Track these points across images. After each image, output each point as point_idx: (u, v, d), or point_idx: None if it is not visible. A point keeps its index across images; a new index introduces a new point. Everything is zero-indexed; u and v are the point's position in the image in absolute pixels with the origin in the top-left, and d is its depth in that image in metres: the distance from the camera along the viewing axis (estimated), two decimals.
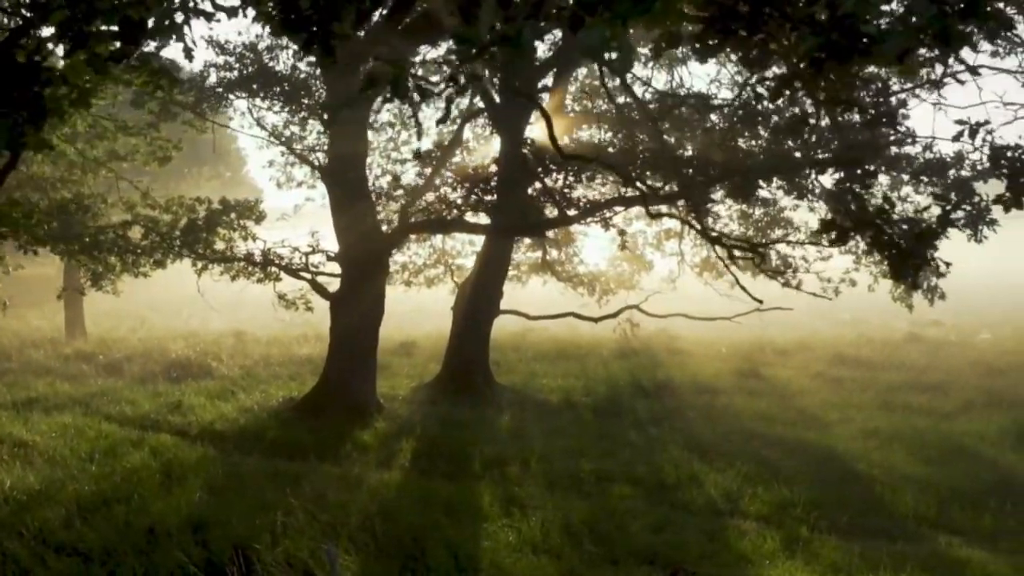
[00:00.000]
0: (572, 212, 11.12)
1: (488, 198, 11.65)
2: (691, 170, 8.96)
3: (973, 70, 6.17)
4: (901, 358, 18.45)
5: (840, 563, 6.98)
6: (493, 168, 12.39)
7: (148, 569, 6.25)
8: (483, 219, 14.59)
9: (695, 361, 18.86)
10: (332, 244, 13.62)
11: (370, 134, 20.41)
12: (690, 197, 9.28)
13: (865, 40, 2.34)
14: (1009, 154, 4.33)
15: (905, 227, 3.60)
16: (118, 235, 13.09)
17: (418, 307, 28.19)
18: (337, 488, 8.58)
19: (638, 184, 9.52)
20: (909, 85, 12.29)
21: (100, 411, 12.65)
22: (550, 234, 20.58)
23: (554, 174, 11.61)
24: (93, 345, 19.26)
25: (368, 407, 12.73)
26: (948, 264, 15.27)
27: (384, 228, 13.49)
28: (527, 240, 20.42)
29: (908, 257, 3.43)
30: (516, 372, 17.57)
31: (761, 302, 13.37)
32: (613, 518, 7.92)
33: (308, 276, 13.06)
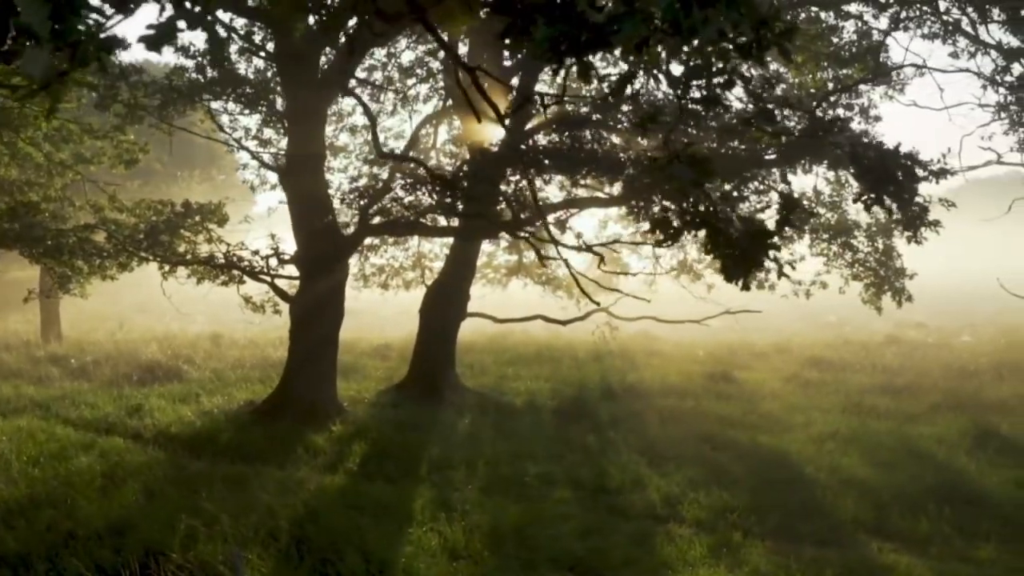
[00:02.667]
0: (525, 214, 11.06)
1: (447, 200, 11.60)
2: (635, 171, 8.90)
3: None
4: (876, 360, 18.31)
5: (763, 569, 6.91)
6: (450, 168, 12.33)
7: (54, 575, 6.22)
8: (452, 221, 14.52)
9: (670, 364, 18.76)
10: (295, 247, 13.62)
11: (344, 136, 20.48)
12: (634, 199, 9.24)
13: (598, 30, 2.28)
14: (872, 154, 4.22)
15: (739, 227, 3.53)
16: (79, 238, 13.08)
17: (403, 310, 28.18)
18: (273, 491, 8.53)
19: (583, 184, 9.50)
20: (868, 79, 12.24)
21: (59, 414, 12.65)
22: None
23: (510, 176, 11.56)
24: (67, 348, 19.29)
25: (327, 410, 12.68)
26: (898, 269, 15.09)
27: (346, 230, 13.46)
28: (503, 243, 20.41)
29: (745, 258, 3.36)
30: (489, 374, 17.51)
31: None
32: (544, 523, 7.86)
33: (268, 279, 13.03)
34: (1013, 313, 22.32)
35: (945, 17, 12.32)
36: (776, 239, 3.47)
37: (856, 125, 16.46)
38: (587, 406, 14.03)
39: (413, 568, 6.56)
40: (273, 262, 12.88)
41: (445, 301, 15.18)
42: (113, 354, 18.23)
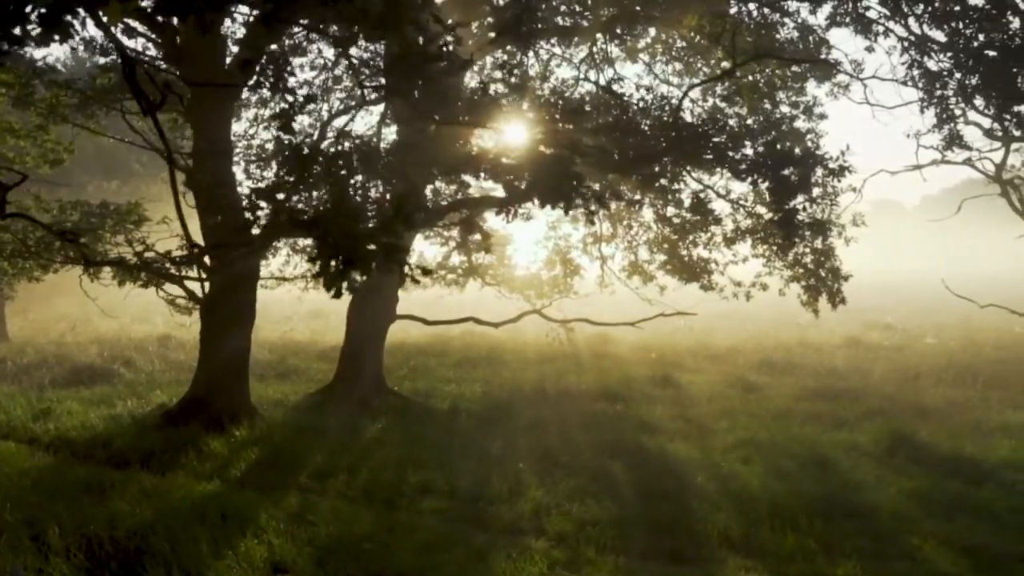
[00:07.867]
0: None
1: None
2: (512, 175, 8.57)
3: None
4: (826, 364, 17.84)
5: None
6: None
7: None
8: None
9: (618, 366, 18.38)
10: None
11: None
12: (514, 202, 8.93)
13: None
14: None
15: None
16: None
17: None
18: (132, 500, 8.25)
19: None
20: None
21: None
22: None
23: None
24: (8, 350, 19.17)
25: (237, 414, 12.39)
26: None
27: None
28: (452, 244, 20.11)
29: (345, 263, 3.03)
30: (428, 378, 17.22)
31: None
32: (393, 534, 7.54)
33: (176, 280, 12.78)
34: (984, 315, 21.71)
35: (864, 14, 11.90)
36: (397, 242, 3.13)
37: (802, 123, 16.12)
38: (511, 410, 13.71)
39: None
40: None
41: (372, 303, 14.89)
42: (52, 356, 18.08)
